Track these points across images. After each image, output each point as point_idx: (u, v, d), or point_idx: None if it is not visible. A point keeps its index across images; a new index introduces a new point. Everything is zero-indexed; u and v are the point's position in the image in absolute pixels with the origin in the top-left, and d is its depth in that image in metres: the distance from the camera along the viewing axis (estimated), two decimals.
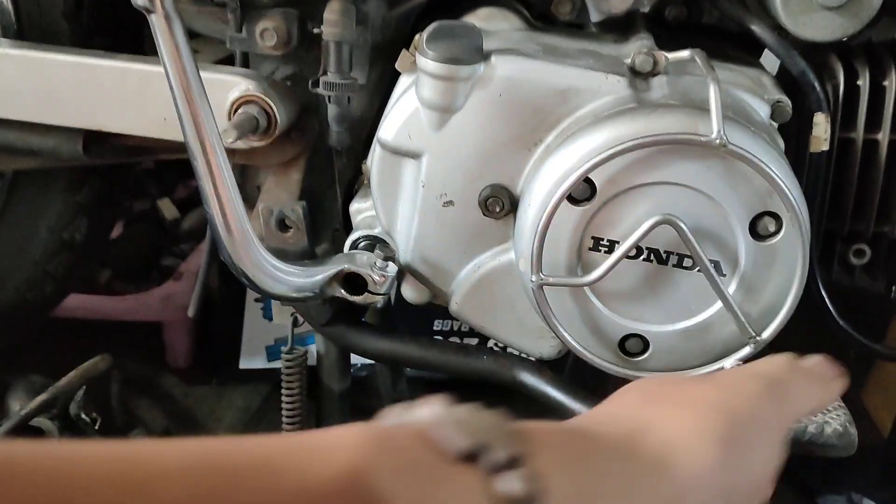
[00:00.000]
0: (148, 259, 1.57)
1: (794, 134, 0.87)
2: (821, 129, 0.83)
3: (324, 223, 0.95)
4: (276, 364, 1.23)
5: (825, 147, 0.84)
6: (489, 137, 0.76)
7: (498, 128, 0.75)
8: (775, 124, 0.81)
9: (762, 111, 0.78)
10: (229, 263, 0.72)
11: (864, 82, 0.84)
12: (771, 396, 0.45)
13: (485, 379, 0.93)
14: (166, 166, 1.62)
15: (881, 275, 0.92)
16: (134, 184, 1.51)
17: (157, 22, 0.61)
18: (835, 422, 0.61)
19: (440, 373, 1.33)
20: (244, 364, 1.42)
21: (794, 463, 1.41)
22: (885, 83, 0.84)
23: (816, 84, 0.82)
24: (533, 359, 0.90)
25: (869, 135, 0.85)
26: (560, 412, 0.88)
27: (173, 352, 1.44)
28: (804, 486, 1.52)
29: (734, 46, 0.93)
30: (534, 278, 0.72)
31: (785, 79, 0.86)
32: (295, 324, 1.01)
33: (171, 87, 0.63)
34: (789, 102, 0.80)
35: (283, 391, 1.01)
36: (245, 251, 0.71)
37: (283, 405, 1.01)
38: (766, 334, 0.72)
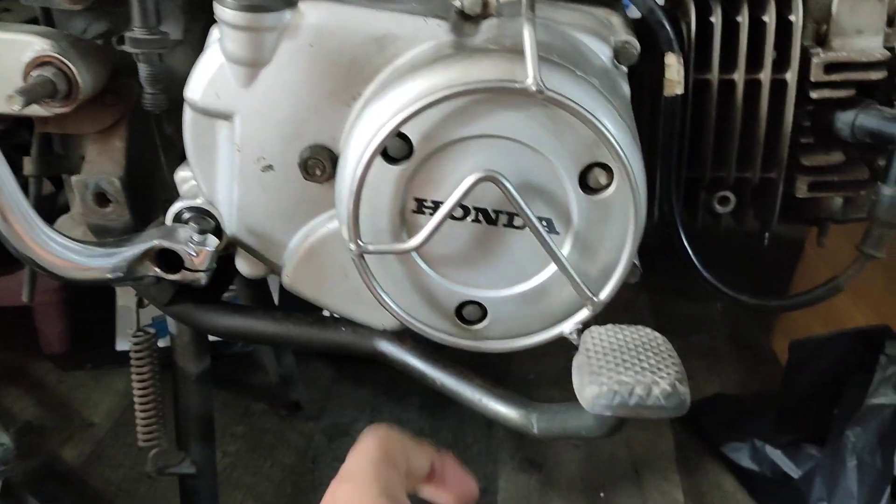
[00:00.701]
0: None
1: (650, 81, 0.82)
2: (673, 71, 0.78)
3: (156, 195, 0.87)
4: None
5: (679, 90, 0.79)
6: (303, 93, 0.69)
7: (312, 82, 0.68)
8: (623, 68, 0.75)
9: (603, 54, 0.73)
10: (12, 250, 0.64)
11: (716, 19, 0.79)
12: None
13: (346, 351, 0.87)
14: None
15: (747, 221, 0.88)
16: None
17: None
18: (664, 381, 0.56)
19: (299, 348, 1.27)
20: (121, 346, 1.34)
21: (696, 412, 1.38)
22: (738, 19, 0.79)
23: (665, 21, 0.77)
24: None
25: (724, 75, 0.80)
26: (424, 381, 0.84)
27: (45, 337, 1.36)
28: (708, 436, 1.51)
29: None
30: (353, 246, 0.66)
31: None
32: (140, 304, 0.93)
33: None
34: (636, 43, 0.74)
35: (134, 377, 0.94)
36: (24, 233, 0.63)
37: (135, 393, 0.94)
38: (604, 295, 0.67)
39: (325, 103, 0.69)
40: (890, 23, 0.79)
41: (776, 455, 1.40)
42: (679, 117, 0.80)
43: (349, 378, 1.47)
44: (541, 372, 1.57)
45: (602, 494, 1.35)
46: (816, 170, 0.84)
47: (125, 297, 1.35)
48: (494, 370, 1.43)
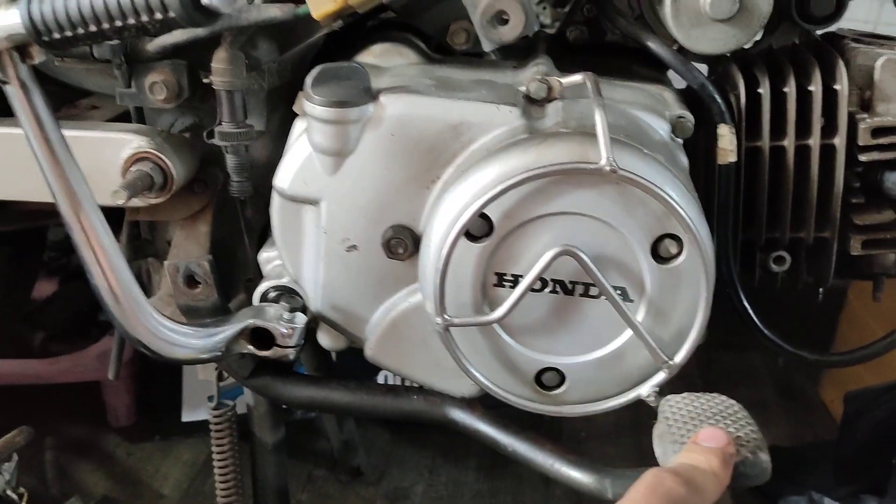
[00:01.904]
0: (84, 316, 1.54)
1: (705, 149, 0.87)
2: (726, 141, 0.82)
3: (237, 275, 0.92)
4: None
5: (733, 158, 0.83)
6: (386, 178, 0.74)
7: (393, 168, 0.74)
8: (679, 140, 0.80)
9: (662, 129, 0.78)
10: (123, 333, 0.69)
11: (765, 90, 0.84)
12: None
13: (417, 419, 0.91)
14: None
15: (803, 279, 0.91)
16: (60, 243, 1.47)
17: (13, 93, 0.59)
18: (744, 449, 0.59)
19: (372, 417, 1.31)
20: (187, 416, 1.39)
21: None
22: (786, 89, 0.84)
23: (717, 95, 0.82)
24: None
25: (774, 142, 0.85)
26: (495, 447, 0.87)
27: (113, 410, 1.41)
28: (764, 491, 1.51)
29: (640, 63, 0.92)
30: (439, 320, 0.70)
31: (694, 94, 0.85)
32: (220, 378, 0.98)
33: (36, 158, 0.61)
34: (691, 117, 0.79)
35: (214, 448, 0.98)
36: (137, 318, 0.68)
37: (215, 464, 0.98)
38: (679, 358, 0.70)
39: (406, 187, 0.74)
40: None
41: None
42: (733, 183, 0.84)
43: (407, 442, 1.50)
44: (591, 430, 1.59)
45: None
46: (868, 228, 0.87)
47: (191, 370, 1.40)
48: (546, 428, 1.45)
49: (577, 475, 0.80)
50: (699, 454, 0.53)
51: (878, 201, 0.87)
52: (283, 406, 1.02)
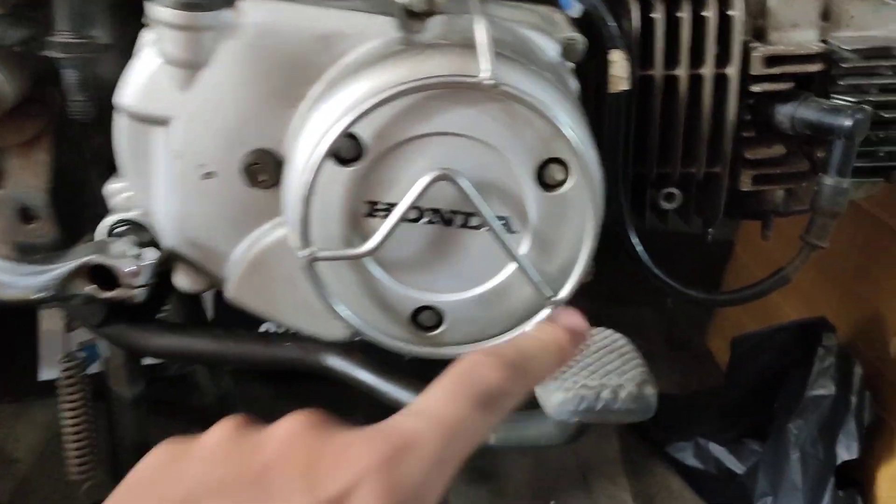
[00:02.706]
0: None
1: (596, 82, 0.82)
2: (618, 68, 0.78)
3: (86, 212, 0.82)
4: None
5: (625, 86, 0.78)
6: (245, 95, 0.66)
7: (254, 83, 0.66)
8: (569, 64, 0.74)
9: (551, 50, 0.72)
10: None
11: (659, 15, 0.79)
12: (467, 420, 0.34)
13: (291, 367, 0.84)
14: None
15: (693, 218, 0.88)
16: None
17: None
18: (630, 384, 0.55)
19: (241, 366, 1.23)
20: (44, 375, 1.27)
21: None
22: (680, 14, 0.79)
23: (608, 19, 0.77)
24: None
25: (668, 70, 0.81)
26: (374, 395, 0.81)
27: None
28: (652, 438, 1.52)
29: None
30: (302, 252, 0.63)
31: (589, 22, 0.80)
32: (69, 328, 0.88)
33: None
34: (582, 39, 0.74)
35: (64, 407, 0.89)
36: None
37: (65, 423, 0.89)
38: (564, 293, 0.65)
39: (268, 106, 0.66)
40: (824, 17, 0.80)
41: (720, 452, 1.41)
42: (624, 114, 0.80)
43: (289, 396, 1.42)
44: None
45: (552, 502, 1.34)
46: (759, 163, 0.84)
47: (50, 322, 1.28)
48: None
49: None
50: (543, 328, 0.43)
51: (769, 135, 0.84)
52: (143, 357, 0.93)
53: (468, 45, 0.61)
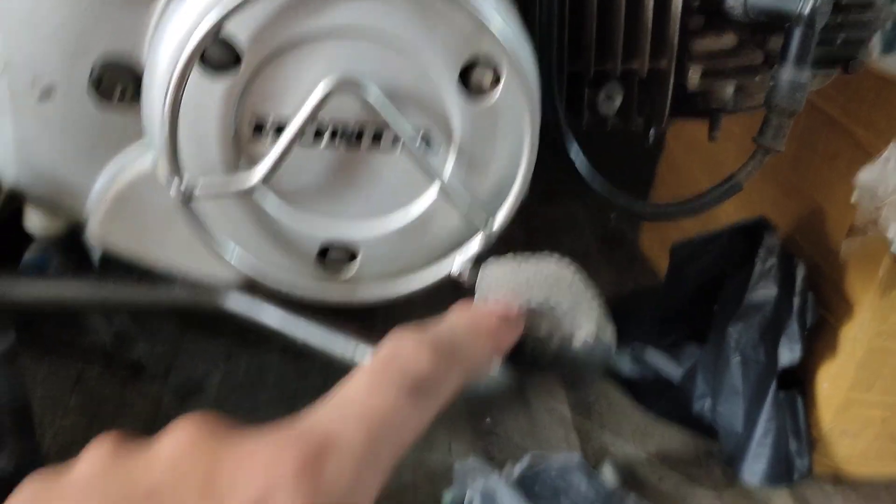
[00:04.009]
0: None
1: None
2: None
3: None
4: None
5: None
6: None
7: None
8: None
9: None
10: None
11: None
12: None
13: (186, 310, 0.72)
14: None
15: (635, 119, 0.78)
16: None
17: None
18: (583, 329, 0.46)
19: (126, 312, 1.11)
20: None
21: None
22: None
23: None
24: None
25: None
26: (285, 339, 0.70)
27: None
28: None
29: None
30: (174, 188, 0.50)
31: None
32: None
33: None
34: None
35: None
36: None
37: None
38: (499, 220, 0.55)
39: (115, 2, 0.52)
40: None
41: (656, 357, 1.37)
42: (557, 3, 0.68)
43: (197, 327, 1.30)
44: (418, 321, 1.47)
45: (488, 419, 1.28)
46: (708, 56, 0.74)
47: None
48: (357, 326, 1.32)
49: None
50: (472, 312, 0.38)
51: (719, 24, 0.74)
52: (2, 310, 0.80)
53: None
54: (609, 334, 0.48)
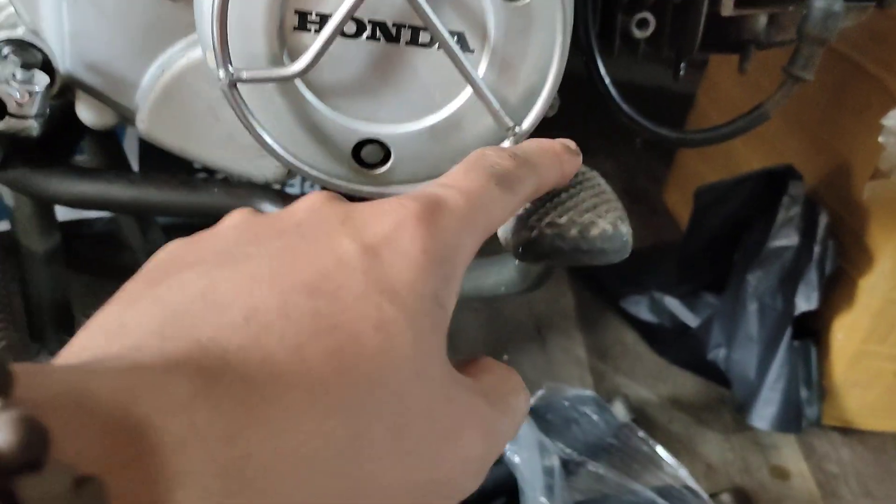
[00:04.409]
0: None
1: None
2: None
3: None
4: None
5: None
6: None
7: None
8: None
9: None
10: None
11: None
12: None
13: (220, 216, 0.75)
14: None
15: (667, 48, 0.80)
16: None
17: None
18: (603, 221, 0.48)
19: (164, 215, 1.14)
20: None
21: (595, 268, 1.34)
22: None
23: None
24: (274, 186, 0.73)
25: None
26: None
27: None
28: (608, 292, 1.49)
29: None
30: (222, 74, 0.53)
31: None
32: None
33: None
34: None
35: None
36: None
37: None
38: (527, 123, 0.57)
39: None
40: None
41: (674, 305, 1.39)
42: None
43: None
44: None
45: (506, 357, 1.31)
46: None
47: None
48: None
49: None
50: (539, 140, 0.43)
51: None
52: (49, 204, 0.83)
53: None
54: (626, 228, 0.50)
